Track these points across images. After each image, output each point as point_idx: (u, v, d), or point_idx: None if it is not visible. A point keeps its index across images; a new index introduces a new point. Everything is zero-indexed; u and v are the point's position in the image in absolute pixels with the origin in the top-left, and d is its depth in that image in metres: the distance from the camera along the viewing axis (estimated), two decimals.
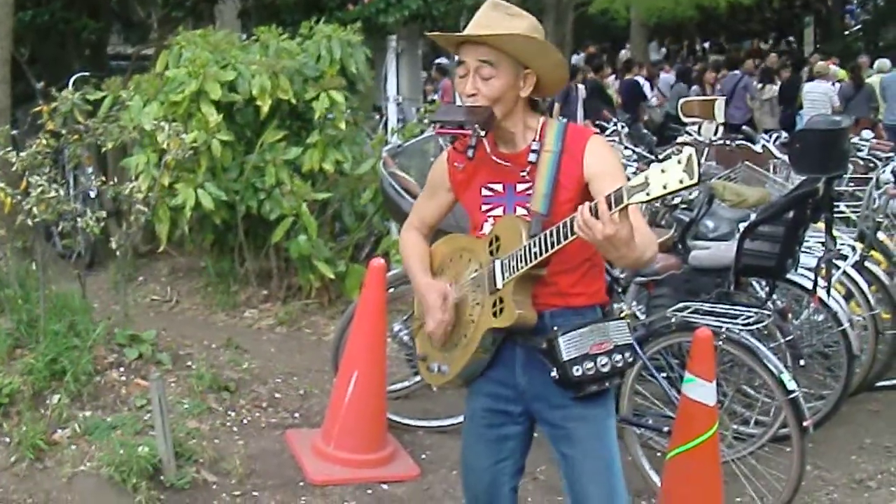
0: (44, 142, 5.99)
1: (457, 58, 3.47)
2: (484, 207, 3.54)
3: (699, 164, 2.82)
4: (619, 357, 3.43)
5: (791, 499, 4.99)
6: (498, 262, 3.39)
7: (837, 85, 17.63)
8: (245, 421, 5.92)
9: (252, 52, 7.95)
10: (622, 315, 3.82)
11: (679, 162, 2.83)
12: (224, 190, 7.52)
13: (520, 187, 3.46)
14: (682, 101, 12.55)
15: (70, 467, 5.08)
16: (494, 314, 3.40)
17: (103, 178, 6.72)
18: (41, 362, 5.60)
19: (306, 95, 7.74)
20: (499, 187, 3.51)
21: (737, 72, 18.96)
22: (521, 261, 3.30)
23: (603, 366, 3.39)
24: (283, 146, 7.69)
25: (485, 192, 3.53)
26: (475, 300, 3.49)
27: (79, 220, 6.03)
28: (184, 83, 7.53)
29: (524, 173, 3.44)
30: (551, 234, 3.20)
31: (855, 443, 6.22)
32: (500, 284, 3.38)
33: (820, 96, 16.80)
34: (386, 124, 10.37)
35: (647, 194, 2.89)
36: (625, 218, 2.99)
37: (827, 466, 5.86)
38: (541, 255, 3.23)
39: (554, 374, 3.39)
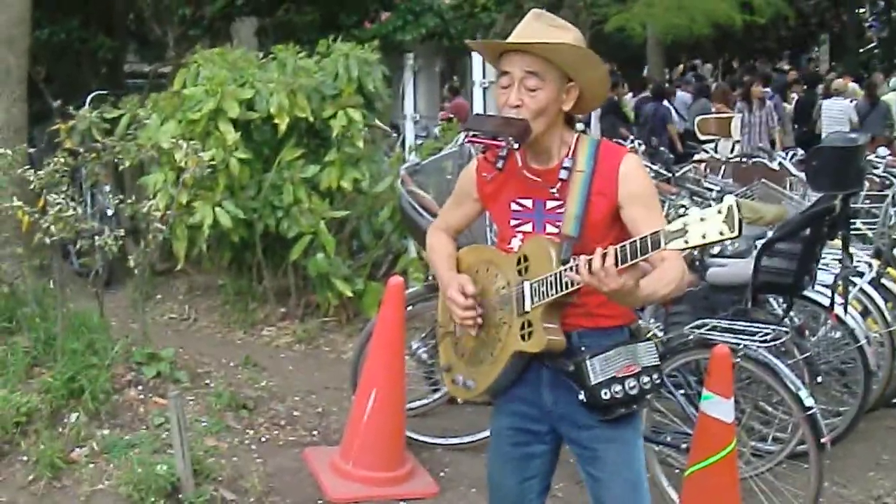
0: (61, 160, 6.00)
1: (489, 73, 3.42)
2: (513, 222, 3.48)
3: (741, 217, 2.78)
4: (647, 379, 3.39)
5: None
6: (527, 285, 3.32)
7: (854, 102, 17.60)
8: (263, 439, 5.92)
9: (269, 70, 7.97)
10: (649, 335, 3.75)
11: (720, 212, 2.77)
12: (242, 208, 7.55)
13: (549, 204, 3.40)
14: (698, 118, 12.53)
15: (88, 486, 5.08)
16: (523, 337, 3.35)
17: (121, 197, 6.74)
18: (59, 381, 5.60)
19: (324, 113, 7.76)
20: (528, 203, 3.44)
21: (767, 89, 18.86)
22: (551, 288, 3.24)
23: (631, 388, 3.35)
24: (301, 164, 7.71)
25: (514, 206, 3.47)
26: (502, 319, 3.44)
27: (97, 238, 6.05)
28: (201, 101, 7.57)
29: (554, 191, 3.38)
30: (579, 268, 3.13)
31: (872, 459, 6.21)
32: (528, 308, 3.33)
33: (838, 113, 16.77)
34: (403, 142, 10.38)
35: (686, 242, 2.83)
36: (633, 269, 2.99)
37: (844, 483, 5.86)
38: (573, 285, 3.17)
39: (581, 396, 3.35)
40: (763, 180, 8.19)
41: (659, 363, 3.48)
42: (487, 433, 5.86)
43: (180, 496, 5.03)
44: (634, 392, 3.36)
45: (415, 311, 5.99)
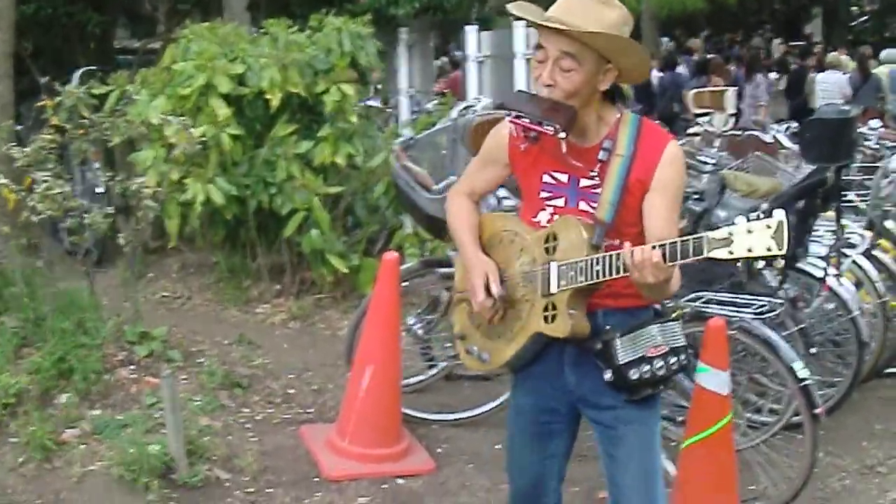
0: (48, 137, 5.98)
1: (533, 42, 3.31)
2: (543, 194, 3.38)
3: (786, 232, 2.74)
4: (674, 360, 3.34)
5: (803, 486, 4.98)
6: (554, 266, 3.24)
7: (847, 75, 17.62)
8: (258, 417, 5.91)
9: (261, 45, 7.91)
10: (675, 314, 3.75)
11: (768, 227, 2.74)
12: (234, 185, 7.50)
13: (584, 182, 3.31)
14: (692, 92, 12.53)
15: (79, 467, 5.04)
16: (546, 319, 3.28)
17: (111, 174, 6.70)
18: (49, 361, 5.59)
19: (317, 88, 7.70)
20: (563, 177, 3.34)
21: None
22: (581, 274, 3.17)
23: (659, 369, 3.30)
24: (294, 140, 7.65)
25: (546, 178, 3.37)
26: (525, 296, 3.36)
27: (86, 216, 6.01)
28: (192, 77, 7.52)
29: (593, 173, 3.29)
30: (618, 258, 3.08)
31: (866, 429, 6.23)
32: (554, 290, 3.24)
33: (832, 86, 16.80)
34: (398, 117, 10.35)
35: (731, 252, 2.80)
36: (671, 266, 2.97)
37: (838, 453, 5.86)
38: (604, 276, 3.11)
39: (608, 376, 3.29)
40: (757, 153, 8.17)
41: (685, 344, 3.42)
42: (484, 409, 5.96)
43: (174, 476, 5.00)
44: (662, 373, 3.31)
45: (410, 287, 5.95)
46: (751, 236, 2.76)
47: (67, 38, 12.24)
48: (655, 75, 18.49)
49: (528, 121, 3.23)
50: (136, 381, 5.85)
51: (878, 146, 7.71)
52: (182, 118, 6.66)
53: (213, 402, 5.86)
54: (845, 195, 6.78)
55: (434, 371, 6.30)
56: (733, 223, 2.83)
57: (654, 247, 2.97)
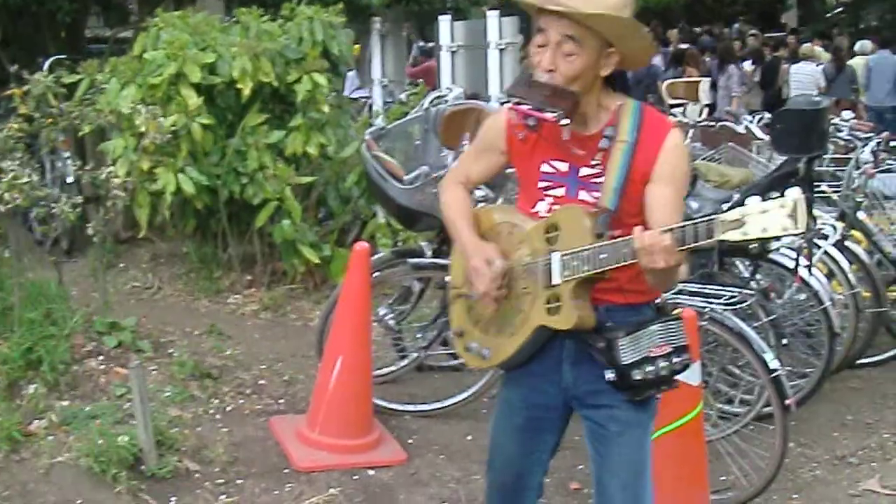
0: (15, 126, 5.94)
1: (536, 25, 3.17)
2: (542, 184, 3.29)
3: (806, 210, 2.69)
4: (677, 360, 3.23)
5: (774, 476, 5.00)
6: (556, 256, 3.16)
7: (821, 66, 17.66)
8: (228, 408, 5.87)
9: (232, 34, 7.85)
10: (675, 311, 3.66)
11: (783, 206, 2.68)
12: (205, 174, 7.44)
13: (585, 171, 3.23)
14: (667, 82, 12.54)
15: (47, 458, 5.00)
16: (549, 311, 3.20)
17: (81, 163, 6.64)
18: (16, 352, 5.57)
19: (288, 78, 7.66)
20: (563, 166, 3.26)
21: None
22: (585, 263, 3.09)
23: (662, 369, 3.20)
24: (266, 129, 7.60)
25: (545, 167, 3.28)
26: (526, 288, 3.28)
27: (54, 206, 5.97)
28: (162, 66, 7.44)
29: (596, 161, 3.20)
30: (625, 245, 3.00)
31: (837, 420, 6.24)
32: (557, 281, 3.16)
33: (806, 77, 16.84)
34: (371, 107, 10.31)
35: (745, 234, 2.74)
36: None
37: (809, 443, 5.88)
38: (610, 264, 3.03)
39: (610, 375, 3.19)
40: (730, 144, 8.18)
41: (687, 342, 3.30)
42: (456, 399, 5.94)
43: (143, 467, 4.97)
44: (665, 373, 3.21)
45: (382, 277, 5.93)
46: (765, 217, 2.71)
47: (38, 26, 12.09)
48: None
49: (529, 107, 3.14)
50: (104, 371, 5.82)
51: (850, 137, 7.70)
52: (152, 107, 6.59)
53: (183, 393, 5.83)
54: (817, 186, 6.80)
55: (405, 362, 6.27)
56: (742, 205, 2.77)
57: (663, 231, 2.90)
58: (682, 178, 3.25)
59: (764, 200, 2.74)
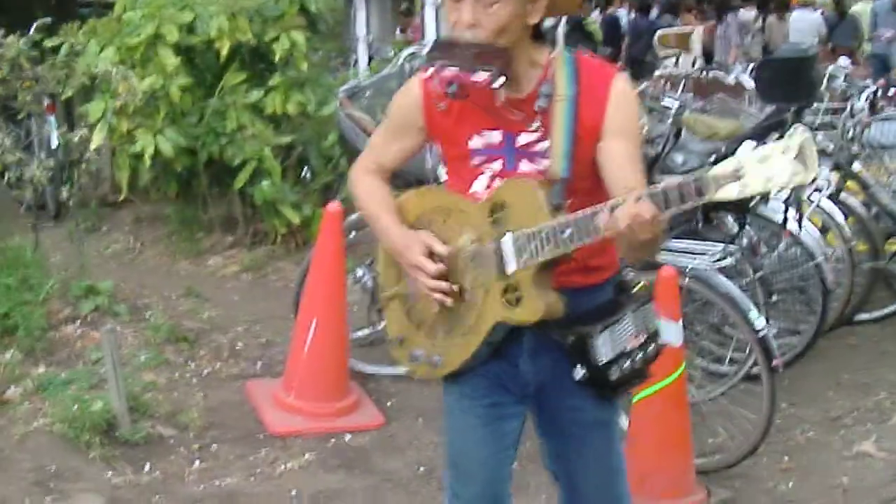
0: None
1: None
2: (475, 160, 2.86)
3: (815, 151, 2.32)
4: (652, 347, 2.88)
5: (761, 440, 4.83)
6: (508, 239, 2.71)
7: (821, 13, 17.41)
8: (204, 372, 5.81)
9: None
10: (639, 286, 3.08)
11: (787, 149, 2.30)
12: (185, 136, 7.35)
13: (523, 138, 2.81)
14: (659, 32, 12.39)
15: (23, 425, 4.96)
16: (508, 302, 2.76)
17: (67, 127, 6.58)
18: None
19: (266, 36, 7.54)
20: (496, 136, 2.83)
21: None
22: (546, 243, 2.64)
23: (637, 361, 2.84)
24: (245, 89, 7.50)
25: (476, 141, 2.85)
26: (477, 280, 2.82)
27: (24, 170, 5.91)
28: (140, 26, 7.35)
29: (534, 125, 2.79)
30: (594, 217, 2.56)
31: (832, 379, 6.06)
32: (513, 268, 2.72)
33: (807, 26, 16.53)
34: (356, 65, 10.17)
35: (744, 187, 2.34)
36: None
37: (802, 403, 5.71)
38: (577, 241, 2.60)
39: (581, 375, 2.80)
40: (721, 95, 8.02)
41: (658, 325, 2.96)
42: None
43: (116, 433, 4.91)
44: (640, 365, 2.86)
45: (358, 238, 5.79)
46: (766, 165, 2.31)
47: None
48: (624, 14, 18.26)
49: (456, 70, 2.71)
50: (81, 337, 5.81)
51: (846, 85, 7.54)
52: (122, 68, 6.49)
53: (158, 358, 5.79)
54: None
55: (383, 323, 6.13)
56: (734, 153, 2.39)
57: (640, 197, 2.46)
58: (637, 128, 2.85)
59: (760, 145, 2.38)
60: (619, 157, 2.74)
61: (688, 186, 2.41)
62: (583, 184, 2.76)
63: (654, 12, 18.48)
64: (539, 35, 2.84)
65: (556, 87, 2.77)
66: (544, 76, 2.80)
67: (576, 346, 2.80)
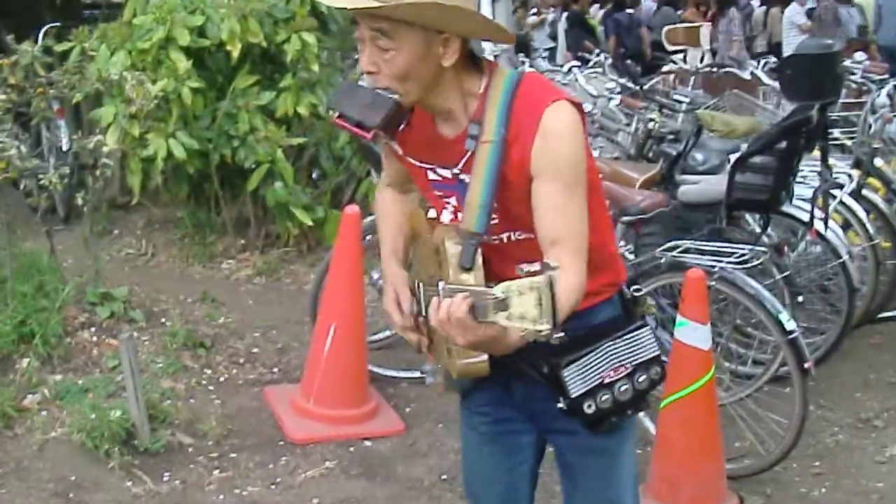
0: (3, 97, 5.86)
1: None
2: (437, 192, 2.70)
3: (550, 301, 2.04)
4: (643, 377, 2.69)
5: (794, 443, 4.74)
6: (441, 289, 2.32)
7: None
8: (222, 378, 5.77)
9: None
10: (645, 305, 2.90)
11: (531, 288, 2.05)
12: (196, 138, 7.27)
13: (466, 178, 2.58)
14: (666, 28, 12.31)
15: (41, 434, 4.94)
16: (448, 350, 2.61)
17: (77, 132, 6.54)
18: (9, 325, 5.50)
19: (277, 38, 7.48)
20: (446, 172, 2.64)
21: None
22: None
23: (622, 392, 2.65)
24: (256, 91, 7.44)
25: (431, 174, 2.68)
26: None
27: (42, 176, 5.91)
28: (151, 30, 7.28)
29: (458, 169, 2.60)
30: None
31: (859, 379, 6.00)
32: None
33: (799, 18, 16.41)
34: None
35: (507, 318, 2.08)
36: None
37: (830, 405, 5.65)
38: (483, 316, 2.19)
39: (561, 405, 2.65)
40: (735, 91, 7.96)
41: (658, 352, 2.75)
42: None
43: (135, 442, 4.88)
44: (627, 397, 2.67)
45: (375, 240, 5.73)
46: (522, 299, 2.06)
47: None
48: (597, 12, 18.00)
49: (349, 123, 2.55)
50: (97, 343, 5.76)
51: (863, 80, 7.49)
52: (137, 73, 6.43)
53: (176, 364, 5.74)
54: (830, 133, 6.57)
55: None
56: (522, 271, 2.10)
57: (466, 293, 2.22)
58: (569, 166, 2.50)
59: (529, 271, 2.09)
60: (541, 205, 2.50)
61: (480, 304, 2.16)
62: (525, 219, 2.55)
63: (647, 4, 18.28)
64: (475, 60, 2.61)
65: (483, 129, 2.53)
66: (476, 113, 2.56)
67: (549, 376, 2.66)
